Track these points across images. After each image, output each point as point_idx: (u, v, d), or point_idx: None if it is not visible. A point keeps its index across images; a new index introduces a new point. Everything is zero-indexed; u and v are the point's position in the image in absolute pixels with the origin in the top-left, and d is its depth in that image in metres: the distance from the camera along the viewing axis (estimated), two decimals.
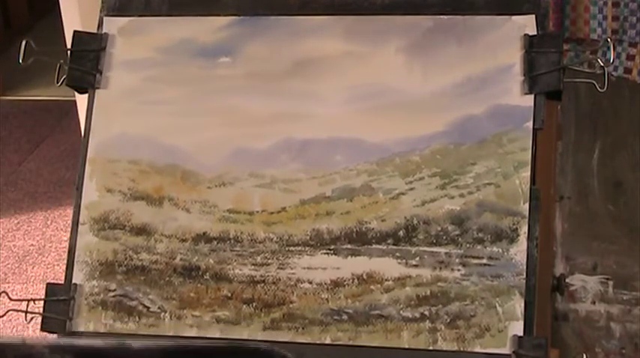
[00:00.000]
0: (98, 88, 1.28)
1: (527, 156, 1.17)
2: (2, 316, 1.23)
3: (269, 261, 1.20)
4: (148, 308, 1.21)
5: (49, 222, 2.92)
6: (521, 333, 1.12)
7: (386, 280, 1.17)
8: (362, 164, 1.21)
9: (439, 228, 1.17)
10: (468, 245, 1.16)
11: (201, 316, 1.19)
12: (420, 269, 1.16)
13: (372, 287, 1.17)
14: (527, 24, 1.21)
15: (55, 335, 1.21)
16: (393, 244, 1.17)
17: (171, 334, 1.19)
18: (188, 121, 1.26)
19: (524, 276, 1.14)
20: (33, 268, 2.68)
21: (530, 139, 1.17)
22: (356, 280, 1.17)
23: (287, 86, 1.25)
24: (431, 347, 1.14)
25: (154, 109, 1.27)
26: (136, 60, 1.29)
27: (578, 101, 1.87)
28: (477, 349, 1.13)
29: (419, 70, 1.23)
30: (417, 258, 1.17)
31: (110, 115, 1.27)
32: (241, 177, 1.23)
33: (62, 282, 1.23)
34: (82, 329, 1.21)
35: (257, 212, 1.21)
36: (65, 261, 1.24)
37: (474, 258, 1.16)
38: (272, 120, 1.24)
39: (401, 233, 1.18)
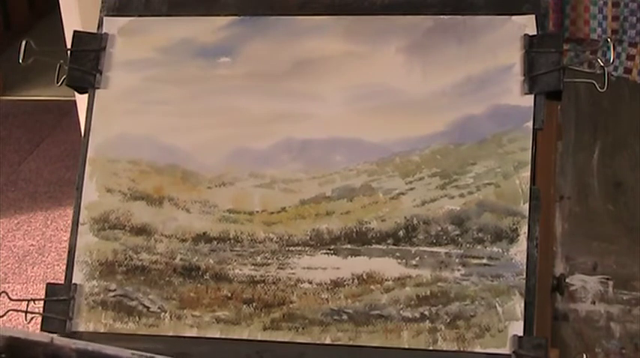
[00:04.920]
0: (98, 88, 1.28)
1: (527, 156, 1.17)
2: (2, 316, 1.23)
3: (269, 261, 1.20)
4: (148, 308, 1.21)
5: (49, 222, 2.92)
6: (521, 333, 1.12)
7: (386, 280, 1.17)
8: (362, 164, 1.21)
9: (439, 228, 1.17)
10: (468, 245, 1.16)
11: (201, 316, 1.19)
12: (420, 269, 1.16)
13: (372, 287, 1.17)
14: (527, 24, 1.21)
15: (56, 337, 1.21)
16: (393, 244, 1.17)
17: (171, 334, 1.19)
18: (188, 121, 1.26)
19: (524, 276, 1.14)
20: (33, 268, 2.69)
21: (530, 139, 1.17)
22: (356, 280, 1.17)
23: (287, 86, 1.25)
24: (431, 347, 1.14)
25: (154, 109, 1.27)
26: (136, 60, 1.29)
27: (578, 101, 1.88)
28: (477, 349, 1.13)
29: (419, 70, 1.23)
30: (417, 258, 1.17)
31: (110, 115, 1.27)
32: (241, 177, 1.23)
33: (62, 282, 1.23)
34: (82, 329, 1.21)
35: (257, 212, 1.21)
36: (65, 261, 1.24)
37: (474, 258, 1.16)
38: (272, 120, 1.24)
39: (401, 233, 1.18)
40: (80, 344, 1.02)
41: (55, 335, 1.04)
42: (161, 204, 1.24)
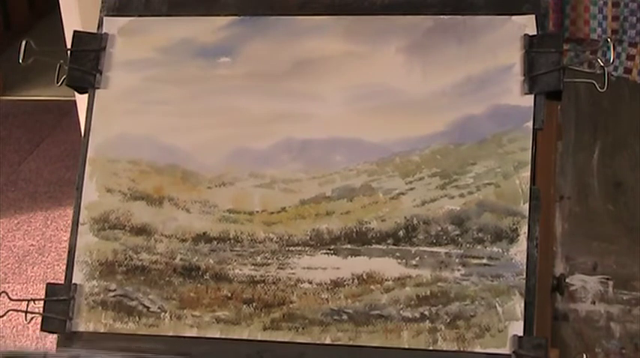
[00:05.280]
0: (98, 88, 1.28)
1: (527, 156, 1.17)
2: (2, 316, 1.23)
3: (269, 261, 1.20)
4: (148, 308, 1.21)
5: (49, 222, 2.92)
6: (521, 333, 1.12)
7: (386, 280, 1.17)
8: (362, 164, 1.21)
9: (439, 228, 1.17)
10: (468, 245, 1.16)
11: (201, 316, 1.19)
12: (420, 269, 1.16)
13: (372, 287, 1.17)
14: (527, 24, 1.21)
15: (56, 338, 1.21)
16: (393, 244, 1.17)
17: (171, 334, 1.19)
18: (188, 121, 1.26)
19: (524, 276, 1.14)
20: (33, 268, 2.69)
21: (530, 139, 1.17)
22: (356, 280, 1.17)
23: (287, 86, 1.25)
24: (431, 347, 1.14)
25: (154, 109, 1.27)
26: (136, 60, 1.29)
27: (578, 101, 1.88)
28: (477, 349, 1.13)
29: (419, 70, 1.23)
30: (417, 258, 1.17)
31: (110, 115, 1.28)
32: (241, 177, 1.23)
33: (62, 282, 1.23)
34: (82, 329, 1.21)
35: (257, 212, 1.21)
36: (65, 261, 1.24)
37: (474, 258, 1.16)
38: (272, 120, 1.24)
39: (401, 233, 1.18)
40: (73, 352, 1.02)
41: (47, 351, 1.04)
42: (161, 204, 1.24)
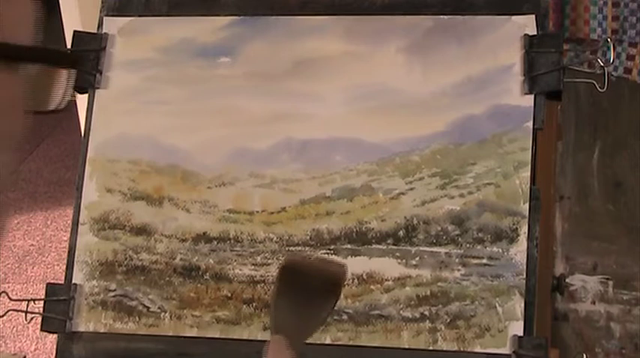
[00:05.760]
0: (98, 88, 1.28)
1: (527, 156, 1.17)
2: (2, 316, 1.23)
3: (269, 261, 1.20)
4: (148, 308, 1.21)
5: (49, 222, 2.92)
6: (521, 333, 1.12)
7: (386, 280, 1.17)
8: (362, 164, 1.21)
9: (439, 228, 1.17)
10: (468, 245, 1.16)
11: (201, 316, 1.19)
12: (420, 269, 1.16)
13: (372, 287, 1.17)
14: (527, 24, 1.21)
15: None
16: (393, 244, 1.17)
17: (171, 334, 1.19)
18: (188, 121, 1.26)
19: (524, 276, 1.14)
20: (33, 268, 2.68)
21: (530, 139, 1.17)
22: (356, 280, 1.17)
23: (287, 86, 1.25)
24: (431, 347, 1.14)
25: (154, 109, 1.27)
26: (136, 60, 1.29)
27: (578, 101, 1.88)
28: (477, 349, 1.13)
29: (419, 70, 1.22)
30: (417, 258, 1.16)
31: (110, 115, 1.27)
32: (241, 177, 1.23)
33: (62, 282, 1.23)
34: (82, 329, 1.21)
35: (257, 212, 1.21)
36: (65, 261, 1.24)
37: (474, 258, 1.16)
38: (272, 120, 1.24)
39: (401, 233, 1.18)
40: None
41: None
42: (161, 204, 1.24)
